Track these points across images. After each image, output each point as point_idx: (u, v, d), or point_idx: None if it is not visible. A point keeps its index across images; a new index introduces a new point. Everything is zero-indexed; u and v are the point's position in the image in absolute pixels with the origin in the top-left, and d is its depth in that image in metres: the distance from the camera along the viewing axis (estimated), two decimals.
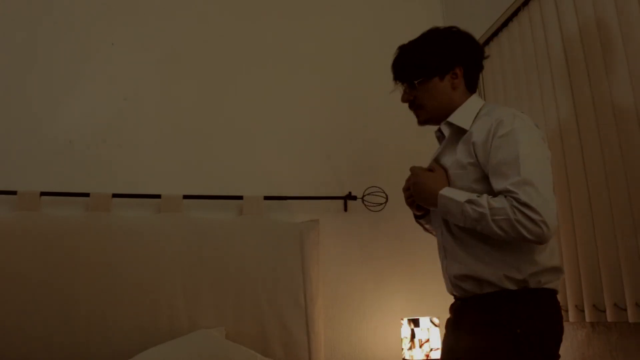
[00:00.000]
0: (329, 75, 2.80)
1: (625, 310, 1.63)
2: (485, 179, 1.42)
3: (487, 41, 2.49)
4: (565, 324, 1.94)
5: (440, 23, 3.00)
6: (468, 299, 1.47)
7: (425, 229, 1.74)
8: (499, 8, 2.37)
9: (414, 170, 1.58)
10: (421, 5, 3.05)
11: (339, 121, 2.74)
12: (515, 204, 1.31)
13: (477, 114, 1.51)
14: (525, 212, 1.30)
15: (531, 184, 1.32)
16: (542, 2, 2.10)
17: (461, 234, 1.47)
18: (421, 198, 1.53)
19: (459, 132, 1.51)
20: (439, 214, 1.51)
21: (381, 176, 2.67)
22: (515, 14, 2.28)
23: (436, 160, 1.59)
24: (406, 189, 1.61)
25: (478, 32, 2.54)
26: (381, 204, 2.60)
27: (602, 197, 1.75)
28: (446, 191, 1.44)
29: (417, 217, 1.71)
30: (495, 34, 2.44)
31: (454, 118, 1.53)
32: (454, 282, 1.50)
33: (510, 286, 1.38)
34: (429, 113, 1.58)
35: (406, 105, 1.63)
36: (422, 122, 1.62)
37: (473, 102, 1.55)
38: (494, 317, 1.39)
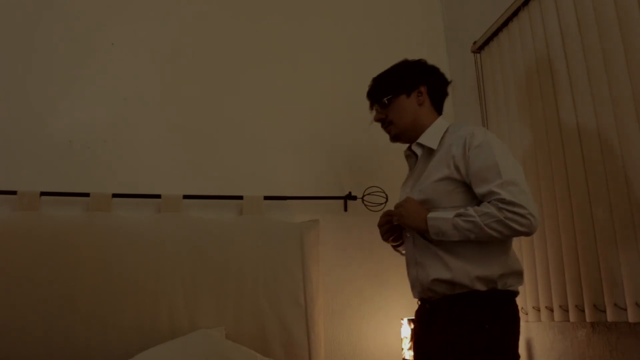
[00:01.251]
0: (329, 75, 2.80)
1: (625, 310, 1.63)
2: (457, 191, 1.57)
3: (487, 41, 2.49)
4: (565, 323, 1.96)
5: (440, 23, 3.03)
6: (438, 300, 1.58)
7: (401, 253, 1.85)
8: (500, 7, 2.37)
9: (398, 204, 1.68)
10: (421, 6, 3.05)
11: (339, 121, 2.74)
12: (501, 205, 1.46)
13: (444, 133, 1.68)
14: (512, 209, 1.44)
15: (513, 184, 1.49)
16: (542, 3, 2.11)
17: (434, 244, 1.58)
18: (409, 222, 1.62)
19: (429, 152, 1.68)
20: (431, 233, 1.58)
21: (381, 176, 2.67)
22: (515, 13, 2.28)
23: (409, 176, 1.75)
24: (382, 225, 1.74)
25: (478, 32, 2.54)
26: (381, 204, 2.60)
27: (602, 198, 1.75)
28: (433, 214, 1.57)
29: (394, 247, 1.83)
30: (495, 34, 2.44)
31: (423, 139, 1.69)
32: (428, 287, 1.59)
33: (480, 287, 1.51)
34: (398, 128, 1.74)
35: None
36: (393, 137, 1.78)
37: (439, 124, 1.71)
38: (464, 315, 1.51)
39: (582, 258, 1.83)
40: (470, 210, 1.50)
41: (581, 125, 1.86)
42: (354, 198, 2.63)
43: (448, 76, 1.81)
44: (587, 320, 1.78)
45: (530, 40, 2.17)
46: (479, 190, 1.52)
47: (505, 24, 2.35)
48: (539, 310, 2.03)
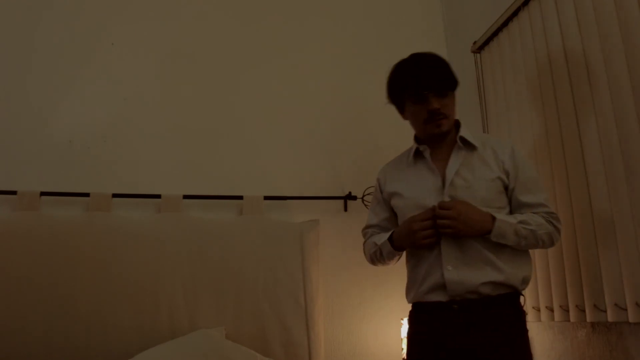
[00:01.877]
0: (329, 75, 2.80)
1: (626, 310, 1.63)
2: (504, 193, 1.63)
3: (488, 41, 2.49)
4: (565, 323, 1.96)
5: (440, 23, 3.03)
6: (474, 301, 1.54)
7: (392, 260, 1.86)
8: (500, 7, 2.37)
9: (455, 203, 1.57)
10: (421, 6, 3.05)
11: (339, 121, 2.74)
12: (551, 219, 1.59)
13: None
14: (557, 225, 1.60)
15: (548, 199, 1.66)
16: (542, 3, 2.11)
17: (482, 246, 1.56)
18: (469, 231, 1.55)
19: (467, 148, 1.67)
20: (495, 236, 1.55)
21: None
22: (515, 13, 2.28)
23: (458, 171, 1.64)
24: (426, 228, 1.58)
25: (478, 32, 2.54)
26: None
27: (603, 198, 1.75)
28: (500, 216, 1.56)
29: (397, 249, 1.79)
30: (495, 34, 2.44)
31: (467, 135, 1.68)
32: (473, 289, 1.54)
33: (521, 287, 1.59)
34: (450, 123, 1.68)
35: None
36: (441, 133, 1.67)
37: (464, 127, 1.72)
38: (500, 316, 1.55)
39: (582, 258, 1.83)
40: (528, 219, 1.57)
41: (581, 125, 1.86)
42: (354, 198, 2.63)
43: None
44: (588, 320, 1.78)
45: (530, 40, 2.17)
46: (525, 199, 1.61)
47: (505, 24, 2.35)
48: (539, 310, 2.03)
